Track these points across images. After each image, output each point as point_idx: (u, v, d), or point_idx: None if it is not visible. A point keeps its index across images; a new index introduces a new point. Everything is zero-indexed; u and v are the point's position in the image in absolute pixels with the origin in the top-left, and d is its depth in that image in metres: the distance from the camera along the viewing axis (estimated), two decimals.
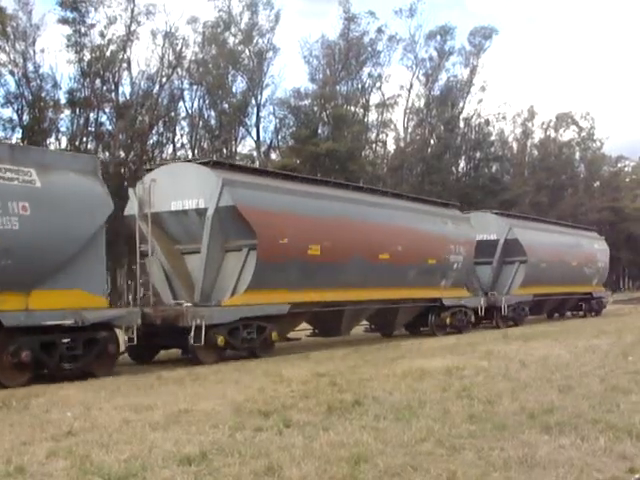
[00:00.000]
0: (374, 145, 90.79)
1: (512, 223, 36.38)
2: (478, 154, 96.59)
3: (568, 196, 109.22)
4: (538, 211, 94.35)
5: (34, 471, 7.86)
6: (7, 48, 61.99)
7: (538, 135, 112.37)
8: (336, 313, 24.68)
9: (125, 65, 70.14)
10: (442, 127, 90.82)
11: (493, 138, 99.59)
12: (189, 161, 24.57)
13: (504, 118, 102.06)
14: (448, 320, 29.61)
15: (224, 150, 77.22)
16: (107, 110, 69.82)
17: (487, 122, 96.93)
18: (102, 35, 66.78)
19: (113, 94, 69.72)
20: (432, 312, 29.52)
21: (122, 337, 18.32)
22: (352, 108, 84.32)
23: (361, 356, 19.88)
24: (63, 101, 66.95)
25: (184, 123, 79.03)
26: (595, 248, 47.02)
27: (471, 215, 35.65)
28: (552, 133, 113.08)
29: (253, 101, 79.53)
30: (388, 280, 26.21)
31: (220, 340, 19.84)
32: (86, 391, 14.06)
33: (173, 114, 75.78)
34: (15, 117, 63.33)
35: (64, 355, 16.58)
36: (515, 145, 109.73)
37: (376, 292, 25.88)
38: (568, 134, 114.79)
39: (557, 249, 39.71)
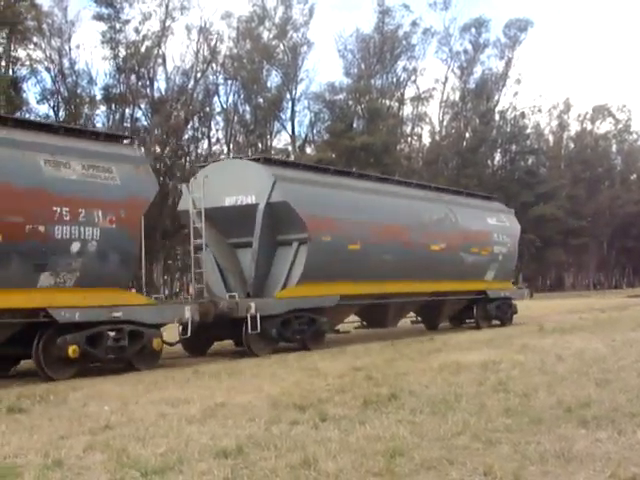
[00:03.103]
0: (409, 139, 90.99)
1: (279, 175, 21.34)
2: (514, 147, 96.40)
3: (605, 189, 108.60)
4: (574, 204, 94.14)
5: (72, 464, 7.90)
6: (43, 45, 62.69)
7: (574, 127, 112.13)
8: None
9: (160, 61, 70.87)
10: (477, 120, 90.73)
11: (529, 131, 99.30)
12: None
13: (540, 111, 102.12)
14: (71, 351, 15.57)
15: (259, 145, 77.52)
16: (142, 106, 70.57)
17: (523, 115, 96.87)
18: (137, 31, 67.64)
19: (148, 90, 70.39)
20: (40, 337, 15.75)
21: None
22: (387, 102, 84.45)
23: (397, 350, 19.86)
24: (99, 97, 67.78)
25: (219, 118, 79.70)
26: (490, 225, 30.75)
27: (219, 164, 24.11)
28: (588, 125, 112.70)
29: (288, 95, 79.93)
30: None
31: None
32: (123, 385, 14.16)
33: (208, 109, 76.30)
34: (51, 113, 63.96)
35: None
36: (551, 138, 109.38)
37: None
38: (604, 126, 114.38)
39: (388, 222, 24.49)
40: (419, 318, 29.76)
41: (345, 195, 23.46)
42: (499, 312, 30.36)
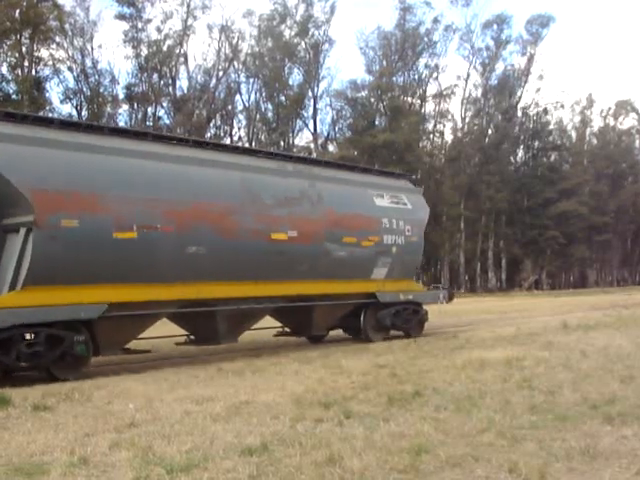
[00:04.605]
0: (431, 136, 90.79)
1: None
2: (536, 143, 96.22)
3: (628, 184, 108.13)
4: (598, 200, 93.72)
5: (97, 462, 7.94)
6: (65, 45, 63.04)
7: (597, 123, 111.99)
8: None
9: (182, 59, 71.20)
10: (500, 117, 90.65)
11: (551, 127, 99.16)
12: None
13: (562, 107, 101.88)
14: None
15: (281, 142, 77.63)
16: (165, 104, 70.82)
17: (545, 111, 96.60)
18: (159, 30, 67.97)
19: (170, 88, 70.65)
20: None
21: None
22: (409, 99, 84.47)
23: (420, 347, 19.81)
24: (121, 96, 68.09)
25: (241, 116, 79.86)
26: (378, 207, 22.96)
27: None
28: (611, 121, 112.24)
29: (310, 93, 80.00)
30: None
31: None
32: (147, 383, 14.18)
33: (230, 107, 76.43)
34: (74, 112, 64.23)
35: None
36: (574, 134, 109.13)
37: None
38: (628, 122, 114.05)
39: (195, 202, 17.41)
40: (286, 329, 23.12)
41: (111, 162, 16.15)
42: (398, 320, 23.45)
